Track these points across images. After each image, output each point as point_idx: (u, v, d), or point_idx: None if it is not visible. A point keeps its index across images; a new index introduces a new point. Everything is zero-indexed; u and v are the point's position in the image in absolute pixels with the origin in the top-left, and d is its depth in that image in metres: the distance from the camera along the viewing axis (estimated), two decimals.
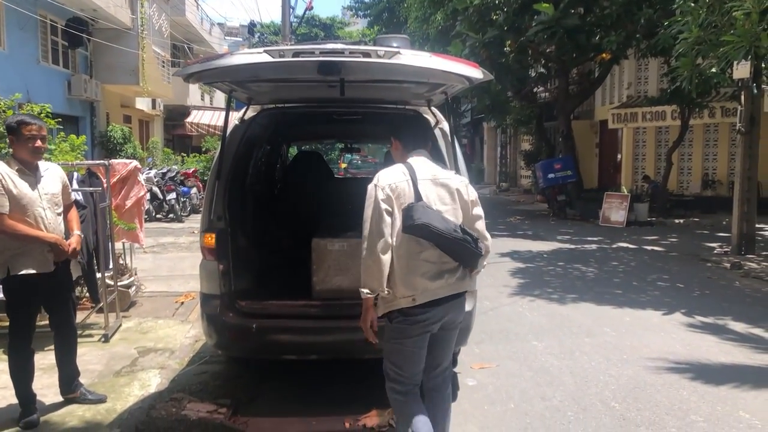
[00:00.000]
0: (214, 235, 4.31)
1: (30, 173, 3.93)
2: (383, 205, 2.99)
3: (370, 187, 3.07)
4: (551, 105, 21.63)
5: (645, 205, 16.17)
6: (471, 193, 3.20)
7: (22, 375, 3.99)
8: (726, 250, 11.18)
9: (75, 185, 5.79)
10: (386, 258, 2.98)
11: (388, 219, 2.98)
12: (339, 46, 3.49)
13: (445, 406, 3.35)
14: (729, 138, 17.65)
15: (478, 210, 3.21)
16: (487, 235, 3.21)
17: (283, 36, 19.82)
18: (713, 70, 8.43)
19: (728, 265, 9.87)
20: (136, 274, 7.72)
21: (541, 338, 5.95)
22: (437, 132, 4.61)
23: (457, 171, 4.32)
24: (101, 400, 4.30)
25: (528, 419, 4.18)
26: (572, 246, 12.07)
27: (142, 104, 23.56)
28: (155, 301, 7.17)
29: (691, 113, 16.05)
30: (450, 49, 17.11)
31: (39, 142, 3.91)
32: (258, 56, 3.38)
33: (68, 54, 17.90)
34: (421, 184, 3.07)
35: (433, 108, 4.82)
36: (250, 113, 4.72)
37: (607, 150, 22.49)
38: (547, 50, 17.51)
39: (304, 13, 21.85)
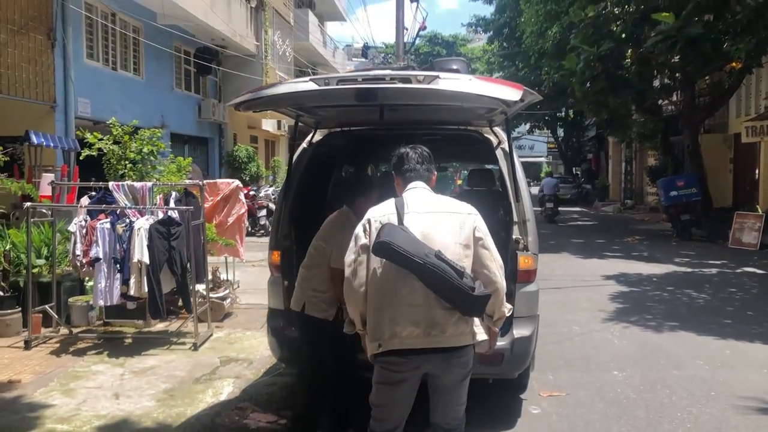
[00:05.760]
0: (279, 253, 4.56)
1: None
2: (361, 240, 2.88)
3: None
4: (678, 118, 20.33)
5: None
6: (478, 229, 2.88)
7: None
8: None
9: (172, 204, 6.31)
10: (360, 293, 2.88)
11: (363, 255, 2.86)
12: (382, 72, 3.59)
13: None
14: None
15: (486, 249, 2.87)
16: (497, 277, 2.87)
17: (397, 56, 20.21)
18: None
19: None
20: (236, 287, 8.22)
21: (623, 368, 5.62)
22: (499, 152, 4.60)
23: (516, 189, 4.31)
24: None
25: None
26: (689, 269, 11.21)
27: (268, 125, 24.91)
28: (249, 313, 7.56)
29: None
30: (564, 63, 16.68)
31: None
32: (303, 85, 3.55)
33: (199, 80, 19.46)
34: (409, 216, 2.84)
35: (495, 128, 4.77)
36: (317, 137, 4.93)
37: (743, 166, 20.72)
38: (671, 61, 16.53)
39: (417, 32, 22.19)
